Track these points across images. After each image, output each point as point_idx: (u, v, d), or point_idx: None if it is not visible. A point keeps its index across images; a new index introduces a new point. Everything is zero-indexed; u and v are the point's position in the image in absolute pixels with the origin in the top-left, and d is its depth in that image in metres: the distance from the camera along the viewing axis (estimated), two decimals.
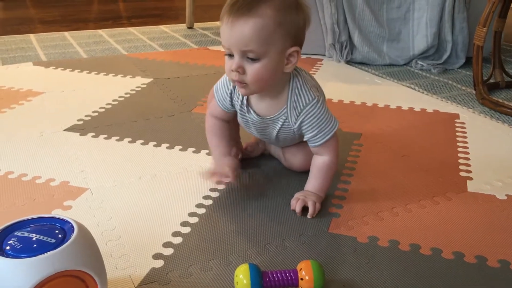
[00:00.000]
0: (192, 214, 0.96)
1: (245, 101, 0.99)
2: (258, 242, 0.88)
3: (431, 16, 1.97)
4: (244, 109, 1.00)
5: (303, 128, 0.96)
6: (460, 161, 1.20)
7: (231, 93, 1.00)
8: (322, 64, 2.05)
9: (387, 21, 2.04)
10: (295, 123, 0.96)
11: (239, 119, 1.05)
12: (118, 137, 1.30)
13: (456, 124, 1.43)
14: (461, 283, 0.79)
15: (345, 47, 2.06)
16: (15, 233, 0.64)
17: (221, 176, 1.00)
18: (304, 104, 0.93)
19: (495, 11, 1.54)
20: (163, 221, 0.94)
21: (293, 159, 1.10)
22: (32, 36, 2.50)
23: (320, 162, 0.98)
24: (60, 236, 0.63)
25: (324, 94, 1.04)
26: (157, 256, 0.84)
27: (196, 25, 2.80)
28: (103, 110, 1.50)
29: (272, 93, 0.95)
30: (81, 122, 1.40)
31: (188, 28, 2.75)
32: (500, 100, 1.57)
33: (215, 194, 1.04)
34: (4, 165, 1.15)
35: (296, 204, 0.96)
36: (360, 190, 1.06)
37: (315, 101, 0.93)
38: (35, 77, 1.82)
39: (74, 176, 1.10)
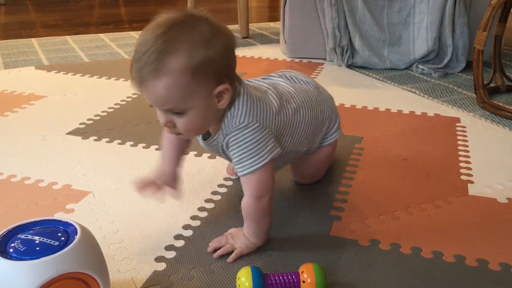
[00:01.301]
0: (194, 217, 0.97)
1: None
2: None
3: (431, 21, 1.98)
4: None
5: (229, 152, 0.84)
6: (461, 164, 1.20)
7: None
8: (323, 68, 2.06)
9: (388, 25, 2.04)
10: (223, 146, 0.86)
11: None
12: (120, 141, 1.31)
13: (457, 128, 1.43)
14: (463, 286, 0.79)
15: (346, 51, 2.06)
16: (18, 236, 0.64)
17: (157, 188, 0.93)
18: (231, 126, 0.82)
19: (496, 16, 1.55)
20: (165, 224, 0.95)
21: (295, 172, 1.10)
22: (34, 40, 2.51)
23: (243, 202, 0.86)
24: (63, 238, 0.64)
25: (271, 125, 0.86)
26: (159, 259, 0.84)
27: None
28: (105, 113, 1.51)
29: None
30: (83, 126, 1.41)
31: None
32: (500, 104, 1.57)
33: (217, 198, 1.04)
34: (7, 169, 1.15)
35: (214, 245, 0.86)
36: (361, 193, 1.07)
37: (243, 125, 0.81)
38: (37, 81, 1.83)
39: (76, 179, 1.11)
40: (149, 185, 0.92)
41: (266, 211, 0.85)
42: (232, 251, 0.85)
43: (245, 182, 0.84)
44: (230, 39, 0.78)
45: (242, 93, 0.83)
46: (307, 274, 0.75)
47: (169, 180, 0.95)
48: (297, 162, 1.06)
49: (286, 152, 0.92)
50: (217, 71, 0.76)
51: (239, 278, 0.74)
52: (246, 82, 0.89)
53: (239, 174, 0.83)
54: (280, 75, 1.01)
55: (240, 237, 0.87)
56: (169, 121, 0.78)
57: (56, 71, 1.95)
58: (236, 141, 0.82)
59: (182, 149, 0.97)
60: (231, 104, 0.82)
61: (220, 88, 0.77)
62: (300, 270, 0.76)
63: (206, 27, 0.75)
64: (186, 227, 0.94)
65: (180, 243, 0.89)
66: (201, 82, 0.74)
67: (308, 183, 1.09)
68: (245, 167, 0.82)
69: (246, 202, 0.84)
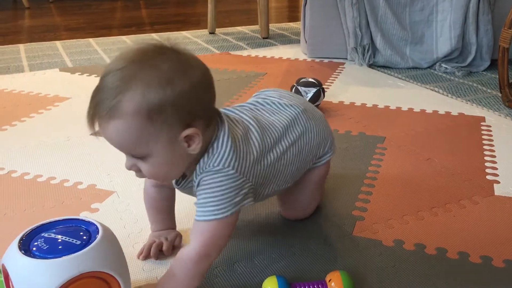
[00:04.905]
0: None
1: None
2: (282, 244, 0.89)
3: (455, 19, 1.95)
4: None
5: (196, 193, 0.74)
6: (487, 164, 1.18)
7: None
8: (344, 67, 2.04)
9: (410, 24, 2.02)
10: (195, 187, 0.74)
11: None
12: None
13: (482, 127, 1.41)
14: (490, 287, 0.78)
15: (367, 51, 2.05)
16: (42, 234, 0.65)
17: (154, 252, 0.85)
18: (205, 168, 0.72)
19: None
20: (188, 223, 0.95)
21: (283, 204, 0.97)
22: (58, 43, 2.56)
23: (182, 252, 0.74)
24: (85, 237, 0.65)
25: (248, 174, 0.75)
26: None
27: (217, 30, 2.82)
28: None
29: None
30: None
31: (210, 33, 2.77)
32: None
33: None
34: (33, 169, 1.17)
35: None
36: (385, 193, 1.06)
37: (216, 169, 0.71)
38: (62, 83, 1.86)
39: (100, 179, 1.12)
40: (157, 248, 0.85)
41: (201, 274, 0.73)
42: None
43: (197, 230, 0.73)
44: (202, 76, 0.69)
45: (222, 133, 0.73)
46: (335, 282, 0.73)
47: (171, 239, 0.88)
48: (283, 194, 0.93)
49: (265, 195, 0.83)
50: (181, 115, 0.66)
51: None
52: (226, 111, 0.79)
53: (196, 218, 0.73)
54: (262, 102, 0.87)
55: None
56: (132, 165, 0.70)
57: (80, 73, 1.98)
58: (204, 184, 0.72)
59: (169, 204, 0.89)
60: (208, 143, 0.72)
61: (187, 132, 0.67)
62: (327, 278, 0.75)
63: (168, 64, 0.65)
64: None
65: None
66: (160, 127, 0.65)
67: (297, 218, 0.96)
68: (205, 213, 0.71)
69: (186, 254, 0.72)
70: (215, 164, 0.71)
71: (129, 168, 0.71)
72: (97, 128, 0.67)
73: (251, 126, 0.78)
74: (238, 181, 0.73)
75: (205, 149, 0.72)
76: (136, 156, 0.68)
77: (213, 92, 0.72)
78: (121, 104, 0.63)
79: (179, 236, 0.89)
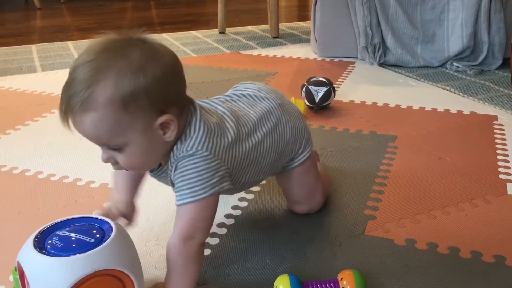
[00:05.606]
0: (228, 216, 0.98)
1: None
2: (294, 243, 0.89)
3: (466, 17, 1.94)
4: None
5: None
6: (499, 163, 1.17)
7: None
8: (354, 67, 2.04)
9: (421, 22, 2.01)
10: (172, 177, 0.75)
11: None
12: None
13: (494, 126, 1.40)
14: (503, 287, 0.78)
15: (378, 50, 2.04)
16: (56, 232, 0.66)
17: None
18: (179, 154, 0.72)
19: None
20: None
21: (291, 205, 0.99)
22: (69, 43, 2.57)
23: (168, 242, 0.73)
24: (98, 236, 0.65)
25: (224, 157, 0.76)
26: None
27: (227, 30, 2.82)
28: None
29: None
30: None
31: (220, 33, 2.78)
32: None
33: (250, 196, 1.05)
34: (47, 168, 1.19)
35: None
36: (396, 192, 1.05)
37: (190, 152, 0.72)
38: None
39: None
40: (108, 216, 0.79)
41: (193, 257, 0.72)
42: None
43: (178, 215, 0.73)
44: (172, 63, 0.70)
45: (195, 119, 0.74)
46: (347, 281, 0.73)
47: (123, 210, 0.82)
48: (284, 191, 0.97)
49: (243, 183, 0.84)
50: (155, 101, 0.67)
51: (276, 287, 0.74)
52: (202, 103, 0.80)
53: (176, 203, 0.73)
54: (239, 95, 0.88)
55: None
56: (109, 157, 0.70)
57: None
58: (180, 168, 0.72)
59: (136, 177, 0.86)
60: (182, 131, 0.73)
61: (162, 119, 0.68)
62: (339, 277, 0.75)
63: (138, 52, 0.66)
64: (220, 225, 0.95)
65: (215, 241, 0.90)
66: (135, 114, 0.66)
67: (311, 211, 0.97)
68: (182, 196, 0.72)
69: (171, 243, 0.72)
70: (188, 149, 0.72)
71: (106, 161, 0.71)
72: (71, 124, 0.67)
73: (225, 116, 0.79)
74: (213, 162, 0.73)
75: (178, 137, 0.73)
76: (113, 147, 0.69)
77: (184, 80, 0.73)
78: (94, 95, 0.63)
79: (131, 210, 0.84)
